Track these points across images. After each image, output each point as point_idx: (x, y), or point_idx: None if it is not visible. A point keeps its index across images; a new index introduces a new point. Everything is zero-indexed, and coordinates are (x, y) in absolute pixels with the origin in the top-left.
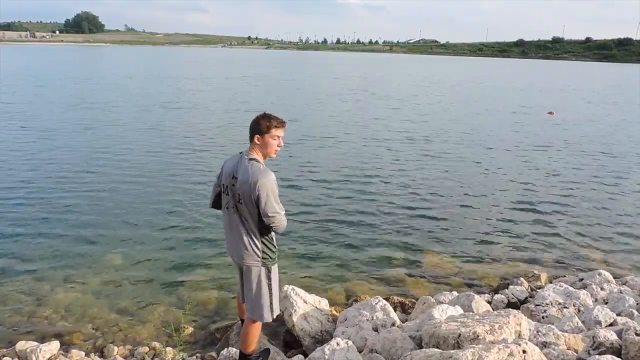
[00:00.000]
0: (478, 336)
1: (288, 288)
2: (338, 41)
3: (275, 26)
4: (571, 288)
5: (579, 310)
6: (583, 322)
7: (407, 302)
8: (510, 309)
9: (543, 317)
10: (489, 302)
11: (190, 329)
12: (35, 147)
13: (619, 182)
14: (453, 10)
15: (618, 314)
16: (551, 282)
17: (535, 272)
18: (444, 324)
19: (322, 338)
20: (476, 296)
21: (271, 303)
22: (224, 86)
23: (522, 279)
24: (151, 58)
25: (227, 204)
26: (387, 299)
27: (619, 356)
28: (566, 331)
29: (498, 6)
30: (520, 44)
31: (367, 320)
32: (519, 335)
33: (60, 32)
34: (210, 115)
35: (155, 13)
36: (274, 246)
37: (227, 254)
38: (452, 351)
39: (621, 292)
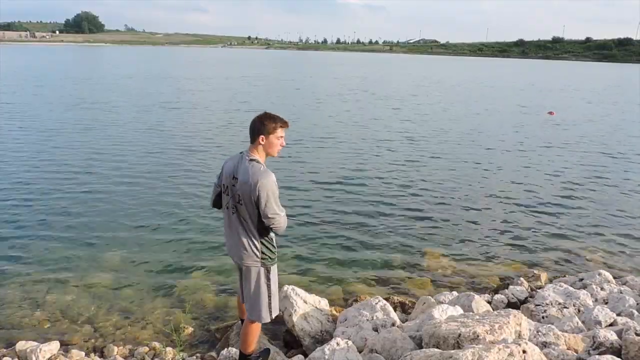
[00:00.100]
0: (478, 336)
1: (288, 288)
2: (338, 41)
3: (275, 26)
4: (571, 288)
5: (579, 310)
6: (583, 322)
7: (407, 302)
8: (510, 309)
9: (543, 317)
10: (489, 302)
11: (190, 329)
12: (35, 147)
13: (619, 182)
14: (453, 10)
15: (618, 314)
16: (551, 282)
17: (535, 272)
18: (444, 324)
19: (322, 338)
20: (476, 296)
21: (270, 303)
22: (223, 86)
23: (522, 279)
24: (151, 58)
25: (227, 204)
26: (387, 299)
27: (619, 356)
28: (566, 331)
29: (498, 6)
30: (520, 44)
31: (367, 320)
32: (519, 335)
33: (60, 32)
34: (210, 116)
35: (155, 13)
36: (274, 247)
37: (227, 254)
38: (452, 351)
39: (621, 292)
